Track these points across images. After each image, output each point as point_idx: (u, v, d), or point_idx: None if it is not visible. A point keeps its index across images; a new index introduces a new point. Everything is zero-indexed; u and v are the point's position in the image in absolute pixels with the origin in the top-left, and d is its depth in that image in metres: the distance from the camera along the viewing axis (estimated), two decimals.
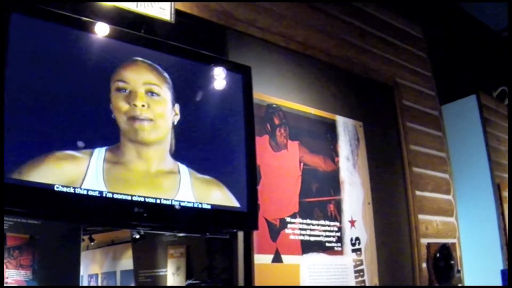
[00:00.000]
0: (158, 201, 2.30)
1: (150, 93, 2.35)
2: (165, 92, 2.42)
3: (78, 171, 2.12)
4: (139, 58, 2.40)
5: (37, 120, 2.05)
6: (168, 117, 2.41)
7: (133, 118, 2.26)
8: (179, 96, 2.48)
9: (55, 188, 2.03)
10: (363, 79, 3.76)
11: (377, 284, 3.25)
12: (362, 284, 3.16)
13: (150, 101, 2.33)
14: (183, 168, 2.44)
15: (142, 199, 2.25)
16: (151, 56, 2.45)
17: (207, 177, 2.51)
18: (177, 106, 2.46)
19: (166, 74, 2.46)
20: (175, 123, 2.44)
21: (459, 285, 3.81)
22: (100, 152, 2.20)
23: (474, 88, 4.60)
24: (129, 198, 2.21)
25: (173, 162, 2.42)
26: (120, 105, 2.26)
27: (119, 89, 2.27)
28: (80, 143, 2.14)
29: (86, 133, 2.18)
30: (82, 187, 2.11)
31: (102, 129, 2.23)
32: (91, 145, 2.18)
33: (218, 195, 2.53)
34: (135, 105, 2.28)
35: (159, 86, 2.39)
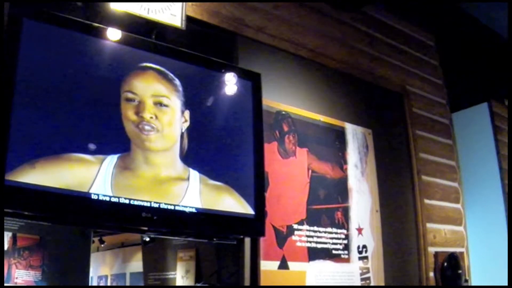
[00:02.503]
0: (165, 207, 2.31)
1: (159, 104, 2.37)
2: (174, 102, 2.44)
3: (88, 175, 2.15)
4: (149, 65, 2.42)
5: (49, 124, 2.08)
6: (176, 125, 2.43)
7: (140, 129, 2.29)
8: (189, 103, 2.50)
9: (63, 192, 2.05)
10: (373, 86, 3.76)
11: None
12: None
13: (158, 112, 2.36)
14: (194, 174, 2.46)
15: (149, 204, 2.26)
16: (162, 62, 2.47)
17: (218, 183, 2.53)
18: (187, 113, 2.48)
19: (176, 81, 2.47)
20: (184, 129, 2.45)
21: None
22: (112, 159, 2.23)
23: (485, 96, 4.58)
24: (133, 203, 2.23)
25: (184, 168, 2.44)
26: (129, 115, 2.28)
27: (128, 100, 2.30)
28: (91, 145, 2.16)
29: (98, 140, 2.21)
30: (91, 191, 2.13)
31: (113, 137, 2.26)
32: (104, 151, 2.21)
33: (230, 202, 2.55)
34: (143, 117, 2.30)
35: (168, 97, 2.41)
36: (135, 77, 2.36)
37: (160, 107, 2.37)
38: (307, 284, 2.91)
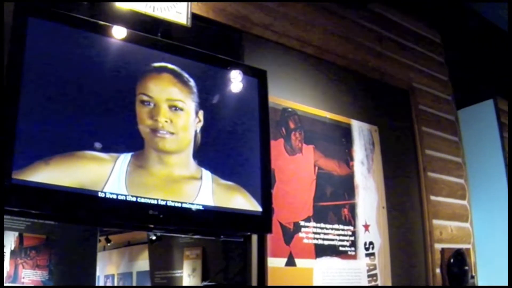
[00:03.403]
0: (172, 204, 2.31)
1: (174, 108, 2.38)
2: (189, 105, 2.45)
3: (103, 173, 2.16)
4: (164, 66, 2.43)
5: (61, 122, 2.09)
6: (191, 127, 2.44)
7: (155, 131, 2.30)
8: (201, 102, 2.51)
9: (70, 191, 2.05)
10: (379, 83, 3.75)
11: None
12: None
13: (173, 116, 2.36)
14: (206, 174, 2.46)
15: (156, 202, 2.27)
16: (171, 61, 2.47)
17: (229, 183, 2.54)
18: (201, 113, 2.48)
19: (192, 82, 2.48)
20: (198, 130, 2.46)
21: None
22: (126, 157, 2.24)
23: (491, 92, 4.57)
24: (140, 200, 2.24)
25: (197, 168, 2.45)
26: (144, 118, 2.29)
27: (143, 102, 2.30)
28: (98, 144, 2.17)
29: (112, 138, 2.22)
30: (105, 189, 2.14)
31: (127, 136, 2.27)
32: (118, 150, 2.22)
33: (240, 200, 2.56)
34: (157, 120, 2.30)
35: (183, 100, 2.42)
36: (150, 80, 2.37)
37: (175, 111, 2.38)
38: (314, 281, 2.91)
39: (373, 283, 3.16)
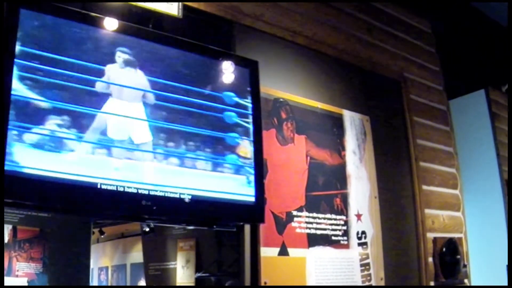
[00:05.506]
0: (163, 194, 2.33)
1: None
2: None
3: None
4: None
5: (52, 112, 2.10)
6: None
7: None
8: (187, 90, 2.52)
9: (66, 182, 2.07)
10: (371, 73, 3.76)
11: (382, 278, 3.26)
12: (368, 278, 3.18)
13: None
14: None
15: (147, 192, 2.28)
16: (159, 50, 2.48)
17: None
18: None
19: None
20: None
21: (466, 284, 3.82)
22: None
23: (483, 83, 4.59)
24: (136, 191, 2.25)
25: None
26: None
27: None
28: None
29: None
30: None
31: None
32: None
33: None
34: None
35: None
36: None
37: None
38: (307, 270, 2.91)
39: (365, 272, 3.18)
